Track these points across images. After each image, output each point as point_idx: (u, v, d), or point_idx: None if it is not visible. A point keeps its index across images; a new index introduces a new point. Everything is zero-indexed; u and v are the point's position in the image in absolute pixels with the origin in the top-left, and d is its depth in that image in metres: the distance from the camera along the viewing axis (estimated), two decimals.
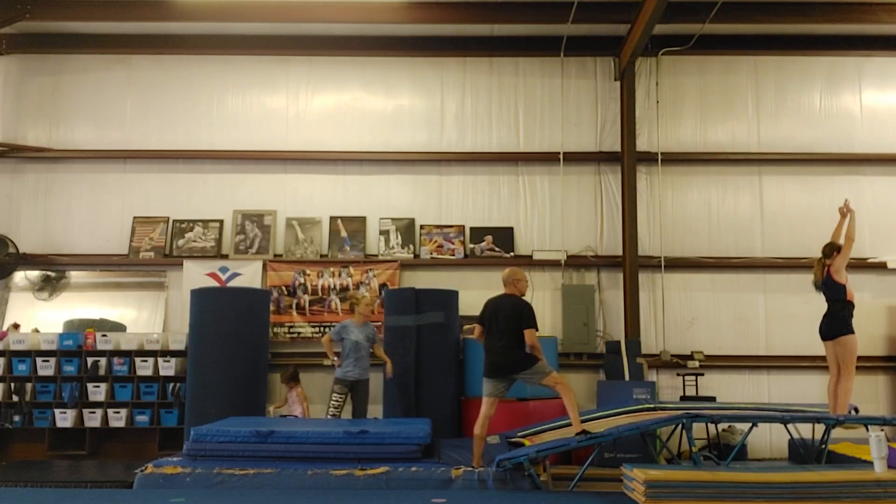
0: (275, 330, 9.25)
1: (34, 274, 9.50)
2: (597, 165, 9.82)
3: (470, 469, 6.07)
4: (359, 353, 7.79)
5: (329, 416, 7.71)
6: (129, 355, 8.86)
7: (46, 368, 8.79)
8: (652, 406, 7.30)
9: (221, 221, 9.65)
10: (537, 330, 6.18)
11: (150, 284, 9.53)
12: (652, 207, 9.70)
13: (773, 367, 9.35)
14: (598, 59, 9.93)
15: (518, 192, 9.78)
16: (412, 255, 9.53)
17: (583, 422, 6.23)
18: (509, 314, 6.18)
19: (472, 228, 9.65)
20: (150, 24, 9.46)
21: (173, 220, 9.65)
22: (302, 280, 9.42)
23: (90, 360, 8.83)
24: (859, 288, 9.36)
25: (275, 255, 9.54)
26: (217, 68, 9.93)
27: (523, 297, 6.37)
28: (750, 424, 6.28)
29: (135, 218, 9.64)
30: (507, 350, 6.13)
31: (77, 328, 9.12)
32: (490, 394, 6.23)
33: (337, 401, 7.72)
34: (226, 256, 9.53)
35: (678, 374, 9.14)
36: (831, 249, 6.94)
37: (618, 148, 9.71)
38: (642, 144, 9.71)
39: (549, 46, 9.75)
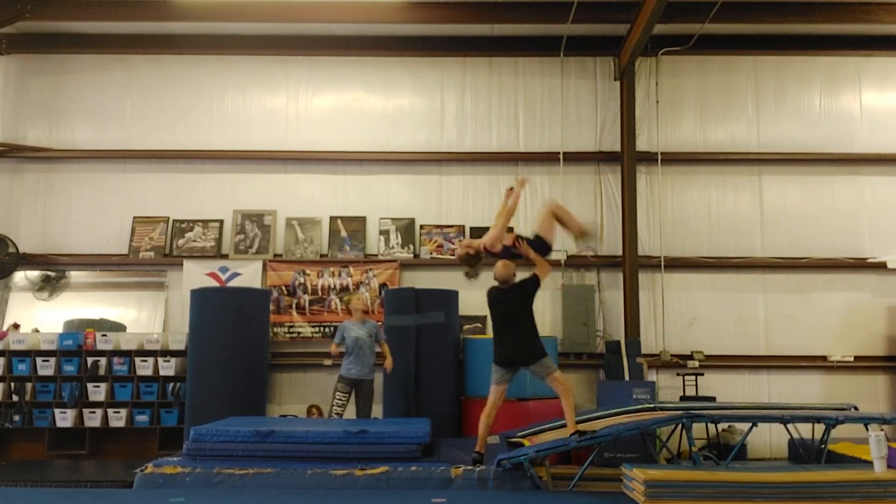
0: (275, 330, 9.25)
1: (34, 274, 9.50)
2: (597, 165, 9.81)
3: (470, 468, 6.06)
4: (360, 349, 7.75)
5: (332, 416, 7.69)
6: (129, 355, 8.86)
7: (46, 368, 8.79)
8: (652, 406, 7.29)
9: (221, 221, 9.64)
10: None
11: (150, 284, 9.53)
12: (652, 207, 9.69)
13: (773, 367, 9.34)
14: (598, 59, 9.93)
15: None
16: (412, 255, 9.53)
17: (582, 422, 6.23)
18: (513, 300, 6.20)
19: (472, 228, 9.62)
20: (149, 24, 9.46)
21: (173, 220, 9.65)
22: (302, 280, 9.42)
23: (90, 360, 8.83)
24: (859, 288, 9.49)
25: (275, 255, 9.54)
26: (217, 68, 9.93)
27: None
28: (750, 424, 6.28)
29: (135, 218, 9.64)
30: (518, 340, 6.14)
31: (77, 328, 9.11)
32: (497, 381, 6.20)
33: (339, 400, 7.68)
34: (226, 256, 9.53)
35: (678, 374, 9.14)
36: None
37: (618, 148, 9.70)
38: (642, 144, 9.71)
39: (548, 46, 9.75)
